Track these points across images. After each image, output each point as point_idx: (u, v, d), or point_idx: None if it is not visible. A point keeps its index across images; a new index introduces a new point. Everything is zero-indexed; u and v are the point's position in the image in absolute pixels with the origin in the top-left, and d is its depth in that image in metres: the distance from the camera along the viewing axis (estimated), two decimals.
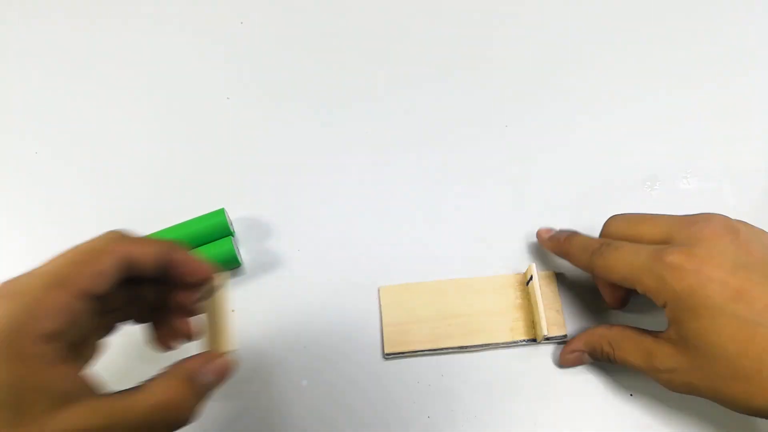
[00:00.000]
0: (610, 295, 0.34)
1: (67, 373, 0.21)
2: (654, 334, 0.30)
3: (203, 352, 0.26)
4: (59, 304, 0.21)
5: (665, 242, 0.29)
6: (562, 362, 0.34)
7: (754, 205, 0.39)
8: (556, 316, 0.35)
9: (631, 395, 0.33)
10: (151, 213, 0.39)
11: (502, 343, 0.34)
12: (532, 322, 0.35)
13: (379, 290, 0.36)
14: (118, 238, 0.24)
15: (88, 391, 0.21)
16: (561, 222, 0.38)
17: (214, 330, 0.27)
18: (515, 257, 0.37)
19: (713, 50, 0.45)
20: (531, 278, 0.34)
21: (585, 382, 0.34)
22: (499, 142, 0.42)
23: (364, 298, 0.36)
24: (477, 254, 0.38)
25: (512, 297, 0.36)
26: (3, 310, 0.20)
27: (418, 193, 0.40)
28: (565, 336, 0.34)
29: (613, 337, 0.31)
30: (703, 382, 0.27)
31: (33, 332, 0.20)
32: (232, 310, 0.36)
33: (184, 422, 0.23)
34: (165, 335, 0.27)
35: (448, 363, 0.35)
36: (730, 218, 0.29)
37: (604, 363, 0.33)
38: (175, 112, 0.43)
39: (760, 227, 0.30)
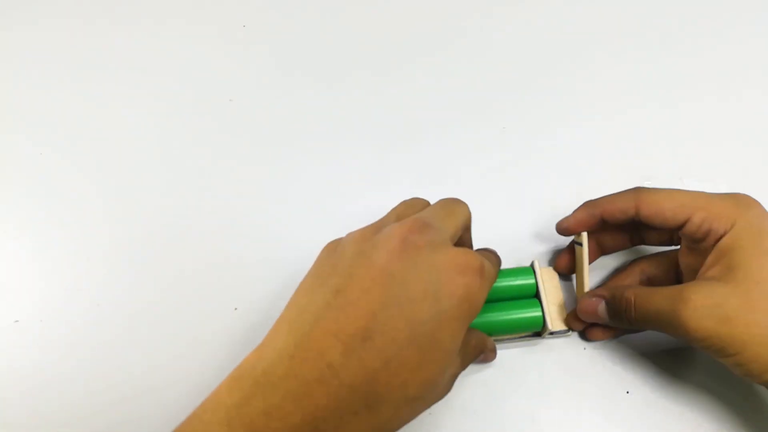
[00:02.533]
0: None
1: None
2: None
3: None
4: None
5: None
6: (579, 309, 0.33)
7: None
8: (558, 310, 0.35)
9: (627, 392, 0.34)
10: (153, 212, 0.39)
11: (507, 338, 0.35)
12: None
13: None
14: None
15: None
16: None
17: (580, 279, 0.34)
18: (517, 255, 0.38)
19: (711, 50, 0.45)
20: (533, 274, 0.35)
21: (582, 378, 0.34)
22: (497, 144, 0.42)
23: None
24: None
25: None
26: (486, 288, 0.26)
27: (419, 194, 0.40)
28: (568, 330, 0.35)
29: (638, 289, 0.30)
30: (741, 312, 0.26)
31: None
32: (235, 308, 0.36)
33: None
34: None
35: None
36: None
37: (620, 321, 0.31)
38: (179, 113, 0.43)
39: None
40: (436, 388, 0.25)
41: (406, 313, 0.23)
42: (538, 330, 0.34)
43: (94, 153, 0.42)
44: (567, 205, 0.39)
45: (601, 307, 0.32)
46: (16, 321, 0.36)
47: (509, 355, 0.35)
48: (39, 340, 0.35)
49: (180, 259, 0.38)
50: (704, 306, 0.27)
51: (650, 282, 0.34)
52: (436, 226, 0.26)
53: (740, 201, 0.29)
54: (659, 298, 0.29)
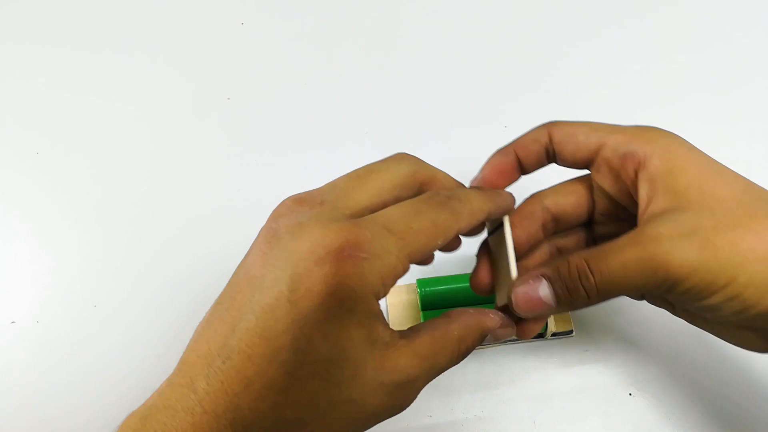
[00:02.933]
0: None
1: (384, 321, 0.22)
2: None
3: (486, 310, 0.25)
4: (402, 271, 0.22)
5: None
6: (517, 301, 0.24)
7: None
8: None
9: (630, 394, 0.34)
10: (150, 212, 0.39)
11: (510, 339, 0.35)
12: None
13: None
14: (456, 211, 0.23)
15: (397, 339, 0.22)
16: None
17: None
18: None
19: (714, 50, 0.45)
20: None
21: (584, 381, 0.34)
22: (500, 143, 0.42)
23: None
24: None
25: None
26: (368, 271, 0.20)
27: None
28: (572, 331, 0.34)
29: (585, 252, 0.23)
30: (720, 231, 0.22)
31: (379, 293, 0.21)
32: None
33: (455, 365, 0.24)
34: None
35: None
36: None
37: (572, 301, 0.24)
38: (176, 111, 0.43)
39: None
40: (346, 404, 0.21)
41: (261, 323, 0.20)
42: (540, 332, 0.34)
43: (90, 153, 0.42)
44: None
45: (543, 288, 0.24)
46: (13, 322, 0.36)
47: (511, 357, 0.35)
48: (36, 341, 0.35)
49: (177, 259, 0.38)
50: (680, 235, 0.22)
51: (561, 250, 0.29)
52: (315, 202, 0.22)
53: (652, 127, 0.25)
54: (619, 250, 0.23)
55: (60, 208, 0.39)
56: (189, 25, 0.47)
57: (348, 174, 0.25)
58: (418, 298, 0.34)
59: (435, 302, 0.34)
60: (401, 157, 0.25)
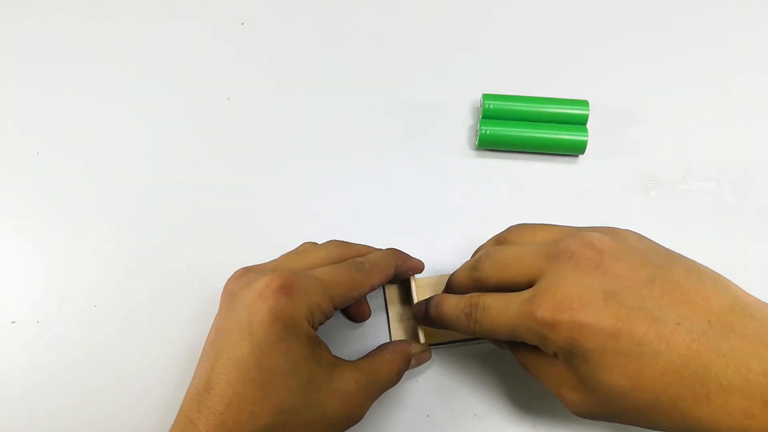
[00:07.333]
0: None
1: (326, 348, 0.28)
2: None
3: (410, 341, 0.33)
4: (326, 309, 0.28)
5: (535, 281, 0.27)
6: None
7: (754, 205, 0.39)
8: None
9: None
10: (150, 212, 0.39)
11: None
12: None
13: (383, 288, 0.36)
14: (366, 271, 0.31)
15: (342, 360, 0.29)
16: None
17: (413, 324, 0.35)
18: None
19: (713, 50, 0.45)
20: None
21: None
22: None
23: (369, 295, 0.36)
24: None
25: None
26: (300, 302, 0.27)
27: (417, 191, 0.40)
28: None
29: (529, 355, 0.29)
30: (612, 416, 0.26)
31: (313, 322, 0.28)
32: None
33: (394, 384, 0.31)
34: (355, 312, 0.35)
35: (448, 362, 0.35)
36: (596, 236, 0.26)
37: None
38: (176, 112, 0.43)
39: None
40: (308, 409, 0.26)
41: (231, 357, 0.26)
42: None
43: (90, 153, 0.41)
44: (567, 206, 0.39)
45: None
46: (13, 322, 0.36)
47: (511, 357, 0.34)
48: (36, 341, 0.35)
49: (176, 259, 0.38)
50: (575, 403, 0.27)
51: None
52: (259, 269, 0.29)
53: (547, 328, 0.26)
54: (550, 378, 0.28)
55: (60, 208, 0.39)
56: (189, 25, 0.47)
57: (288, 252, 0.33)
58: None
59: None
60: (333, 242, 0.33)
